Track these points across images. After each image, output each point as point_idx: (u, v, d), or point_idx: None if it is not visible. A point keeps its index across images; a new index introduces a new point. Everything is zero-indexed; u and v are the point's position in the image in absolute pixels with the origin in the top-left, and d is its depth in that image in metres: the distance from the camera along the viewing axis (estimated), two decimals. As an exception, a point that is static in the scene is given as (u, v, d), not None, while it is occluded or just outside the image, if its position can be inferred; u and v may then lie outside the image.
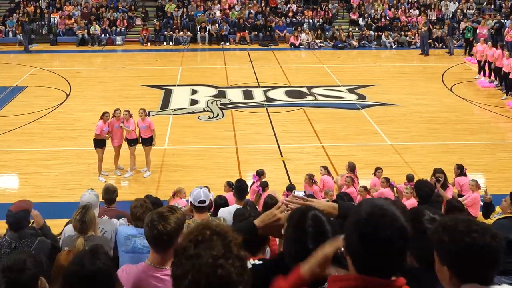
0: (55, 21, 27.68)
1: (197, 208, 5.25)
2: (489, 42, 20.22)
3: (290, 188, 9.76)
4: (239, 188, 7.14)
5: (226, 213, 6.33)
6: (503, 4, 29.17)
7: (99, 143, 11.92)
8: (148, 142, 12.16)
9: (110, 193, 6.66)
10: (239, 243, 1.91)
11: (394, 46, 26.72)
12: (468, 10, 28.56)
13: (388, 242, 1.96)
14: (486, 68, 19.77)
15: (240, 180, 7.70)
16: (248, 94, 18.56)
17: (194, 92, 18.78)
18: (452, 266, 2.13)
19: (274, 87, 19.31)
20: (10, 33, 26.91)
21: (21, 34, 25.94)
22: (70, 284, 2.56)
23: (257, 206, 7.85)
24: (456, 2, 29.39)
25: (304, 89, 19.03)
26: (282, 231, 2.63)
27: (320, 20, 28.53)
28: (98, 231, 5.11)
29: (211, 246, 1.84)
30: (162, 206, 6.15)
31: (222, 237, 1.87)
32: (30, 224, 5.29)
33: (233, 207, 6.80)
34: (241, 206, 6.75)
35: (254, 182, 10.53)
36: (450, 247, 2.11)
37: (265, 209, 6.30)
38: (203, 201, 5.19)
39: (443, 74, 21.03)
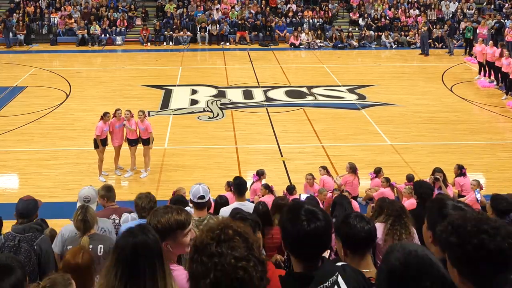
0: (55, 21, 27.69)
1: (197, 204, 5.24)
2: (490, 42, 20.23)
3: (290, 188, 9.74)
4: (238, 184, 7.11)
5: (227, 212, 6.31)
6: (506, 5, 29.14)
7: (100, 143, 11.94)
8: (146, 142, 12.19)
9: (110, 190, 6.71)
10: (259, 245, 1.88)
11: (394, 46, 26.72)
12: (468, 10, 28.55)
13: None
14: (486, 68, 19.80)
15: (238, 177, 7.68)
16: (248, 94, 18.56)
17: (194, 92, 18.78)
18: (461, 270, 1.95)
19: (274, 87, 19.31)
20: (10, 33, 26.90)
21: (3, 31, 25.94)
22: (123, 255, 2.61)
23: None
24: (456, 2, 29.39)
25: (304, 89, 19.03)
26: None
27: (320, 20, 28.53)
28: (95, 229, 5.13)
29: (234, 246, 1.81)
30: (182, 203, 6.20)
31: (243, 238, 1.86)
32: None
33: (234, 204, 6.77)
34: (243, 203, 6.73)
35: (254, 182, 10.54)
36: (458, 249, 1.93)
37: (276, 209, 6.32)
38: (203, 197, 5.17)
39: (443, 74, 21.02)
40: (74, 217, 4.98)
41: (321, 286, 2.47)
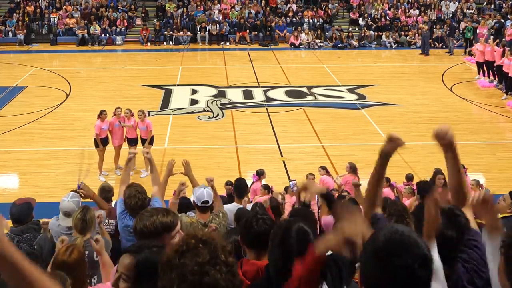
0: (55, 21, 27.68)
1: (200, 208, 5.22)
2: (489, 40, 20.19)
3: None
4: (237, 186, 7.12)
5: (228, 210, 6.29)
6: (504, 4, 29.16)
7: (101, 142, 11.94)
8: (145, 142, 12.19)
9: (106, 193, 6.73)
10: (227, 249, 1.85)
11: (394, 46, 26.71)
12: (468, 10, 28.56)
13: (409, 271, 1.78)
14: (486, 68, 19.79)
15: (239, 178, 7.68)
16: (248, 94, 18.56)
17: (194, 92, 18.78)
18: None
19: (274, 87, 19.30)
20: (10, 33, 26.92)
21: None
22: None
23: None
24: (456, 2, 29.39)
25: (304, 89, 19.03)
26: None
27: (320, 20, 28.53)
28: (99, 229, 5.11)
29: (197, 254, 1.78)
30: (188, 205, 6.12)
31: (208, 244, 1.81)
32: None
33: (233, 205, 6.77)
34: (241, 205, 6.73)
35: (254, 182, 10.54)
36: None
37: (272, 212, 6.30)
38: (207, 202, 5.17)
39: (443, 74, 21.02)
40: (73, 215, 4.95)
41: None
